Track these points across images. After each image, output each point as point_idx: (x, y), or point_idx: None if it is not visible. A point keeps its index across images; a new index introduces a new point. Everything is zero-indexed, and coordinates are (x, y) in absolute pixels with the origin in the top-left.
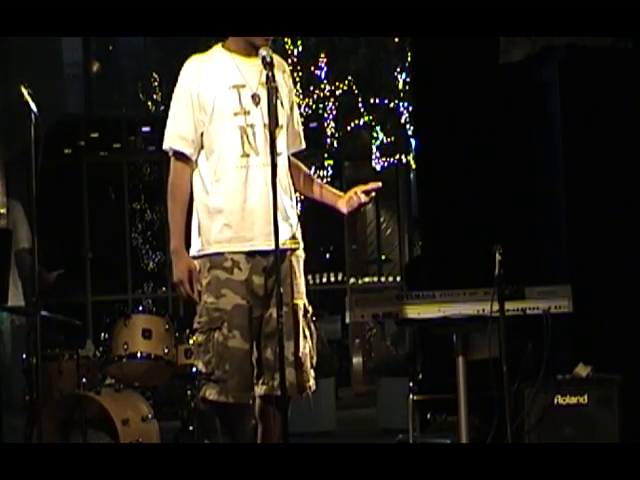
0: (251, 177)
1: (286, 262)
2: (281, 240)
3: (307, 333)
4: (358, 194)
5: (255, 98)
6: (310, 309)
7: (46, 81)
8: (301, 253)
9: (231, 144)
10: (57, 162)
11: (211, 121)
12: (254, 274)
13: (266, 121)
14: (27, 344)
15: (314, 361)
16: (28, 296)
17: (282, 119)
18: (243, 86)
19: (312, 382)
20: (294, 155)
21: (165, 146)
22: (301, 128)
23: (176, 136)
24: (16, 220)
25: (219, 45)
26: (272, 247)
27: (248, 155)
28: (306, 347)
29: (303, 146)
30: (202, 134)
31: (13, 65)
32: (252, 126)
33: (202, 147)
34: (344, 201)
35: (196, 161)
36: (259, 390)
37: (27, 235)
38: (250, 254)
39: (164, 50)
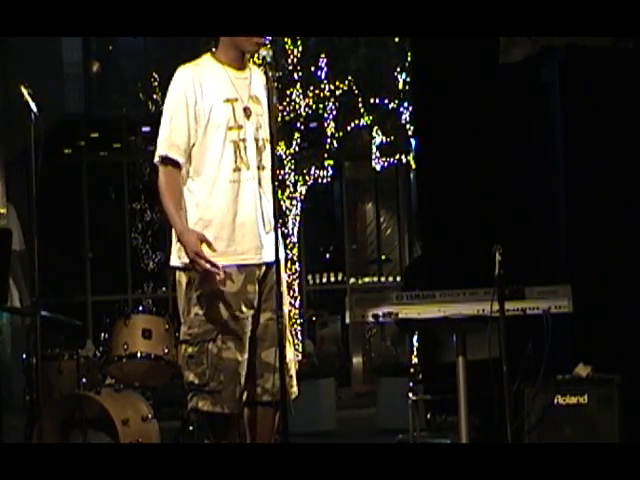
0: (242, 191)
1: (273, 271)
2: (270, 252)
3: (290, 339)
4: None
5: (246, 111)
6: (291, 315)
7: (46, 81)
8: (282, 260)
9: (225, 158)
10: (57, 162)
11: (205, 133)
12: (248, 283)
13: (256, 135)
14: (27, 344)
15: (296, 366)
16: (23, 297)
17: (267, 132)
18: (236, 100)
19: (295, 388)
20: None
21: (160, 153)
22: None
23: (171, 144)
24: (9, 222)
25: (208, 55)
26: (262, 260)
27: (240, 169)
28: (290, 352)
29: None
30: (193, 145)
31: (13, 65)
32: (244, 140)
33: (191, 159)
34: None
35: (187, 173)
36: (243, 397)
37: (19, 238)
38: (242, 265)
39: (164, 50)
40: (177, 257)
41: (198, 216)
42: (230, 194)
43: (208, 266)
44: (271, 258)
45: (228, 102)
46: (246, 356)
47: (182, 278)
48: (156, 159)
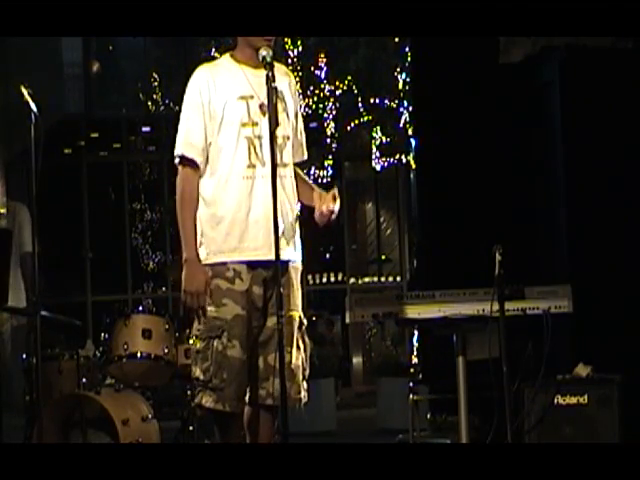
0: (256, 188)
1: (285, 274)
2: (286, 252)
3: (301, 345)
4: (325, 208)
5: (263, 108)
6: (305, 321)
7: (46, 81)
8: (299, 265)
9: (238, 155)
10: (57, 162)
11: (219, 130)
12: (254, 284)
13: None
14: (27, 344)
15: (306, 373)
16: (30, 298)
17: (288, 130)
18: (252, 97)
19: (304, 394)
20: (296, 165)
21: (177, 152)
22: (304, 139)
23: (188, 144)
24: (21, 223)
25: (227, 55)
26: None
27: (254, 166)
28: (299, 358)
29: (305, 157)
30: (210, 144)
31: (13, 65)
32: (259, 137)
33: (208, 158)
34: (318, 213)
35: (204, 172)
36: (246, 398)
37: (31, 239)
38: (252, 265)
39: (164, 50)
40: (202, 254)
41: (211, 212)
42: (243, 190)
43: (194, 310)
44: (286, 258)
45: (242, 99)
46: (247, 356)
47: None
48: (176, 153)
